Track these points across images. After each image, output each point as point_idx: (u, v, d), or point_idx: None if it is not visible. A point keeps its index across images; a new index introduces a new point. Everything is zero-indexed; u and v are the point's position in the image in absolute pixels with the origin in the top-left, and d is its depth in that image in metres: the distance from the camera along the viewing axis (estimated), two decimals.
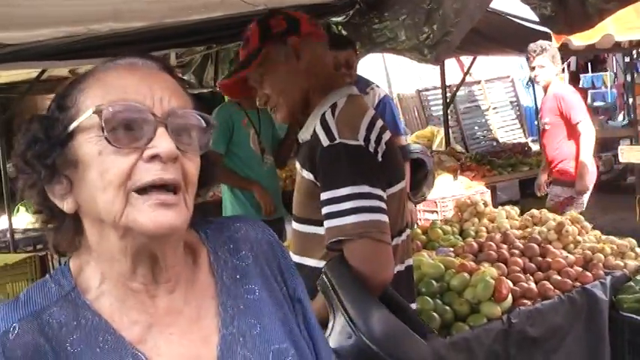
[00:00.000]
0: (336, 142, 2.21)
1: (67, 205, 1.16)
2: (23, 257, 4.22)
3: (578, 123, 6.02)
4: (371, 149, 2.25)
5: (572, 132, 6.07)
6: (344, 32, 5.54)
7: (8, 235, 6.35)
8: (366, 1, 5.05)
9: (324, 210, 2.19)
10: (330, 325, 2.06)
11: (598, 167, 11.48)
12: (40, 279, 1.24)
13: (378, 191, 2.20)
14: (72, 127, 1.13)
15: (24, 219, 7.60)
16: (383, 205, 2.20)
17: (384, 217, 2.19)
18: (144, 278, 1.18)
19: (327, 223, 2.19)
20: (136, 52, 1.24)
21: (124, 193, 1.10)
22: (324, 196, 2.20)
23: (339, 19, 5.39)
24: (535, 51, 6.12)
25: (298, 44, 2.35)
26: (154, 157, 1.10)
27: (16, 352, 1.11)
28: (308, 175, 2.30)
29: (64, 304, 1.17)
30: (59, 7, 3.92)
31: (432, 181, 4.92)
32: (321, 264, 2.24)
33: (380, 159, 2.26)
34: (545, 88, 6.27)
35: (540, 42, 6.19)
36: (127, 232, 1.12)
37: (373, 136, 2.27)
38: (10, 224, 6.35)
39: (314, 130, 2.31)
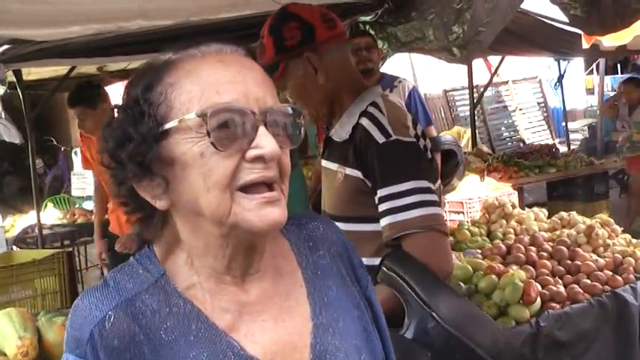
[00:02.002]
0: (392, 138, 2.24)
1: (160, 203, 1.14)
2: (51, 253, 4.23)
3: None
4: (421, 145, 2.30)
5: None
6: (371, 31, 5.54)
7: (36, 231, 6.40)
8: (395, 0, 5.05)
9: (385, 206, 2.21)
10: (407, 317, 2.07)
11: (624, 170, 11.37)
12: (124, 264, 1.23)
13: (433, 186, 2.26)
14: (168, 126, 1.11)
15: (52, 215, 7.69)
16: (437, 198, 2.25)
17: (441, 211, 2.26)
18: (237, 271, 1.18)
19: (388, 219, 2.20)
20: (218, 38, 1.20)
21: (230, 193, 1.09)
22: (383, 192, 2.22)
23: (368, 18, 5.38)
24: None
25: (315, 59, 2.32)
26: (257, 158, 1.10)
27: (113, 342, 1.11)
28: (354, 173, 2.31)
29: (154, 291, 1.16)
30: (88, 4, 3.95)
31: (462, 172, 4.89)
32: (372, 261, 2.24)
33: (429, 155, 2.33)
34: None
35: None
36: (232, 230, 1.12)
37: (419, 132, 2.32)
38: (39, 220, 6.41)
39: (358, 128, 2.31)
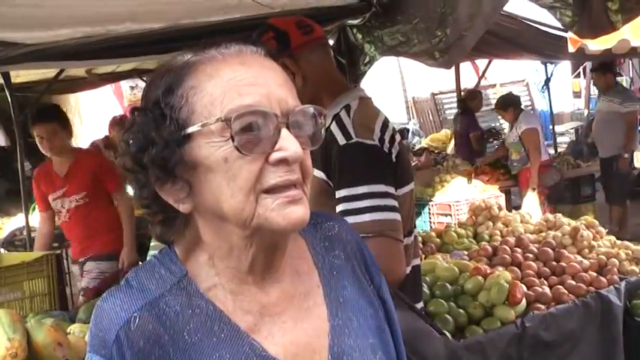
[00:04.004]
0: (352, 141, 2.24)
1: (183, 207, 1.14)
2: (40, 255, 4.22)
3: None
4: (385, 149, 2.28)
5: None
6: (358, 35, 5.57)
7: (25, 234, 6.38)
8: (382, 4, 5.07)
9: (340, 207, 2.21)
10: None
11: None
12: (145, 263, 1.23)
13: (392, 190, 2.23)
14: (191, 130, 1.10)
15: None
16: (397, 204, 2.23)
17: (398, 216, 2.22)
18: (259, 270, 1.18)
19: None
20: (237, 38, 1.19)
21: (254, 196, 1.09)
22: (340, 193, 2.22)
23: (356, 21, 5.41)
24: None
25: (290, 63, 2.34)
26: (281, 161, 1.09)
27: (139, 343, 1.11)
28: (319, 174, 2.31)
29: (177, 292, 1.16)
30: (78, 7, 3.96)
31: None
32: None
33: (394, 159, 2.29)
34: None
35: None
36: (256, 232, 1.12)
37: (387, 137, 2.30)
38: (27, 223, 6.38)
39: (328, 131, 2.32)
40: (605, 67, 8.79)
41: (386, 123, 2.35)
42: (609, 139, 8.59)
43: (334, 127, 2.31)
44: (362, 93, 2.46)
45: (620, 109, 8.45)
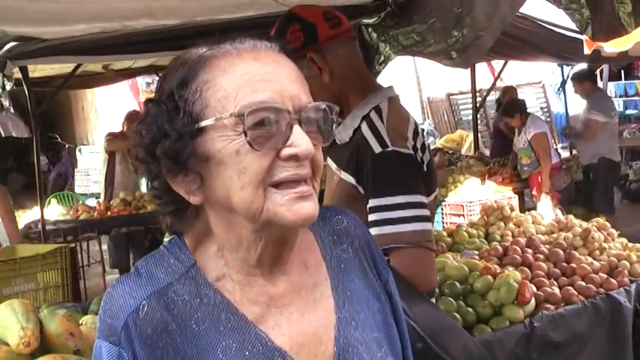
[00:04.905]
0: (388, 149, 2.18)
1: (194, 199, 1.15)
2: (54, 247, 4.27)
3: None
4: (418, 158, 2.24)
5: None
6: (373, 34, 5.58)
7: (39, 226, 6.45)
8: (397, 3, 5.08)
9: (374, 216, 2.17)
10: None
11: (628, 175, 11.37)
12: (155, 252, 1.24)
13: (425, 200, 2.21)
14: (204, 124, 1.11)
15: (55, 210, 7.75)
16: (429, 213, 2.21)
17: (431, 226, 2.21)
18: (267, 263, 1.20)
19: (377, 230, 2.15)
20: (251, 33, 1.20)
21: (263, 189, 1.10)
22: (374, 202, 2.18)
23: (371, 20, 5.42)
24: None
25: (318, 58, 2.29)
26: (291, 157, 1.11)
27: (147, 330, 1.13)
28: (347, 178, 2.28)
29: (185, 281, 1.18)
30: (94, 3, 4.00)
31: None
32: None
33: (425, 169, 2.27)
34: None
35: None
36: (265, 225, 1.13)
37: (419, 145, 2.25)
38: (42, 216, 6.46)
39: (358, 133, 2.28)
40: (582, 76, 8.75)
41: (417, 130, 2.29)
42: (585, 147, 8.62)
43: (366, 132, 2.24)
44: (391, 92, 2.39)
45: (588, 117, 8.45)
